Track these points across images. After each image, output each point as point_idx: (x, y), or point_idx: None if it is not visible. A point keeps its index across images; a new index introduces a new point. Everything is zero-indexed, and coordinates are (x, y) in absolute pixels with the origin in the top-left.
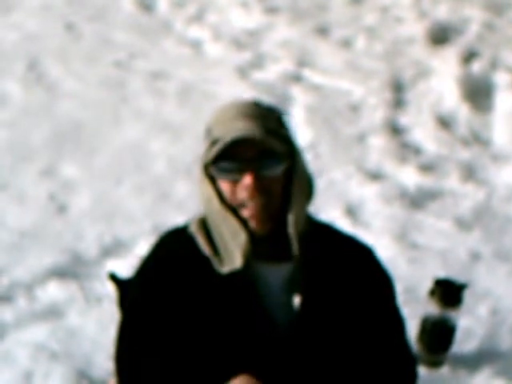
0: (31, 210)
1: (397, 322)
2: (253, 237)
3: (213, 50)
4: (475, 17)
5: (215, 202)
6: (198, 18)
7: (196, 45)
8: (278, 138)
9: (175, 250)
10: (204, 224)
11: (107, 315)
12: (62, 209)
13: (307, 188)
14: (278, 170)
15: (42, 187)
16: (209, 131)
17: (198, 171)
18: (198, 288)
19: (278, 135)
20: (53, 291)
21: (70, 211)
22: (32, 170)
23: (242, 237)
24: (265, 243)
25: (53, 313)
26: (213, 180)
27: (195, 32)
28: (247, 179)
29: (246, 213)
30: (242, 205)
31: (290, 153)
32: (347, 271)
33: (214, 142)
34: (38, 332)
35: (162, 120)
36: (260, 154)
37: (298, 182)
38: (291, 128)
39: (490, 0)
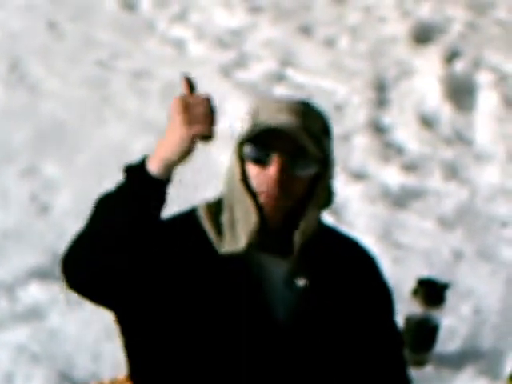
0: (13, 210)
1: (393, 333)
2: (263, 226)
3: (196, 49)
4: (458, 16)
5: (237, 180)
6: (182, 17)
7: (179, 44)
8: (315, 142)
9: (178, 228)
10: (213, 208)
11: (89, 316)
12: (44, 209)
13: (326, 202)
14: (305, 172)
15: (24, 187)
16: (255, 111)
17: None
18: (197, 269)
19: (317, 139)
20: (34, 292)
21: (52, 211)
22: (14, 170)
23: (252, 219)
24: (272, 237)
25: (34, 314)
26: (242, 160)
27: (178, 31)
28: (273, 170)
29: (262, 199)
30: (261, 191)
31: (324, 162)
32: (349, 275)
33: (254, 124)
34: (19, 333)
35: (145, 119)
36: (294, 150)
37: (320, 194)
38: (333, 138)
39: (473, 0)
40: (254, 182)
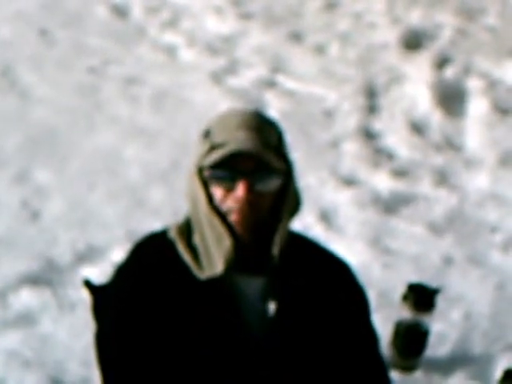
0: (4, 216)
1: (370, 336)
2: (236, 246)
3: (187, 55)
4: (448, 22)
5: (203, 204)
6: (172, 23)
7: (170, 50)
8: (276, 155)
9: (153, 257)
10: (184, 229)
11: (80, 322)
12: (35, 215)
13: (295, 208)
14: (271, 186)
15: (15, 193)
16: (208, 134)
17: (189, 170)
18: (175, 296)
19: (278, 152)
20: (26, 298)
21: (43, 217)
22: (5, 177)
23: (226, 243)
24: (246, 255)
25: (26, 320)
26: (205, 183)
27: (169, 38)
28: (240, 190)
29: (232, 217)
30: (230, 211)
31: (286, 171)
32: (323, 284)
33: (213, 147)
34: (11, 339)
35: (136, 126)
36: (257, 167)
37: (288, 203)
38: (288, 145)
39: (463, 6)
40: (222, 204)
